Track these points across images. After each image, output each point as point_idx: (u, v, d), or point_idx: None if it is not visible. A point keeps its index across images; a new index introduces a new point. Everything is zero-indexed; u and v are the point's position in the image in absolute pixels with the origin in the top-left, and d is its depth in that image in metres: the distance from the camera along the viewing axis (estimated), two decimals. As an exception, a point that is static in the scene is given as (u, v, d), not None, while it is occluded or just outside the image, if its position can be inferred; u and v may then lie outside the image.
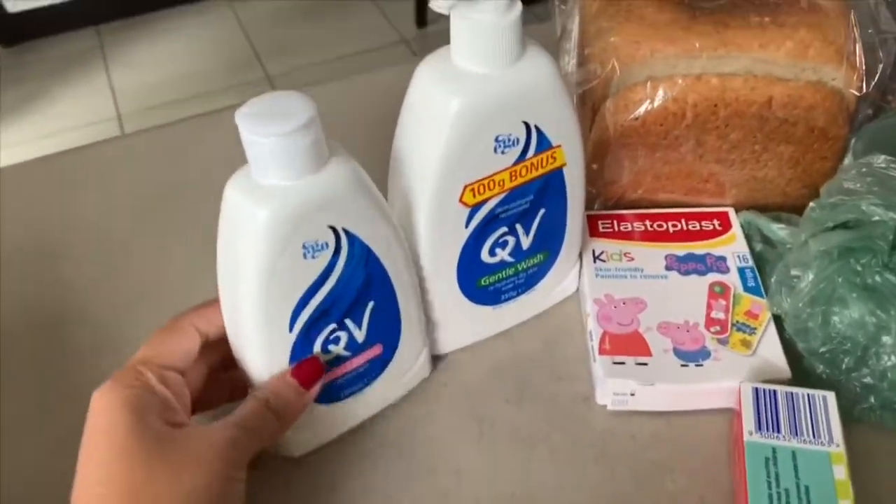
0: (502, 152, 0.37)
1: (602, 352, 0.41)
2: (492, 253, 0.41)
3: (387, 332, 0.39)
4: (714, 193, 0.48)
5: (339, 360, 0.38)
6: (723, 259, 0.46)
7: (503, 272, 0.42)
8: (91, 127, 1.77)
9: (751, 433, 0.37)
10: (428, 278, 0.40)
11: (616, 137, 0.45)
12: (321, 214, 0.33)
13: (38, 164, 0.62)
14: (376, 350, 0.39)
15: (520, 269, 0.43)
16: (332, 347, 0.37)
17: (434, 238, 0.39)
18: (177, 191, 0.57)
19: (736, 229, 0.47)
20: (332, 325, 0.36)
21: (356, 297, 0.36)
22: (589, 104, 0.46)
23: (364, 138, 0.62)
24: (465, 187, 0.37)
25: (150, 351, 0.36)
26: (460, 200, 0.38)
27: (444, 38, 0.36)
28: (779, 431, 0.37)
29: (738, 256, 0.46)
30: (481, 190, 0.38)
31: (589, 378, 0.43)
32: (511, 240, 0.41)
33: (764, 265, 0.45)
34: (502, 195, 0.39)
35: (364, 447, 0.41)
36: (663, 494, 0.38)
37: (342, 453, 0.41)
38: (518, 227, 0.41)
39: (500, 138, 0.36)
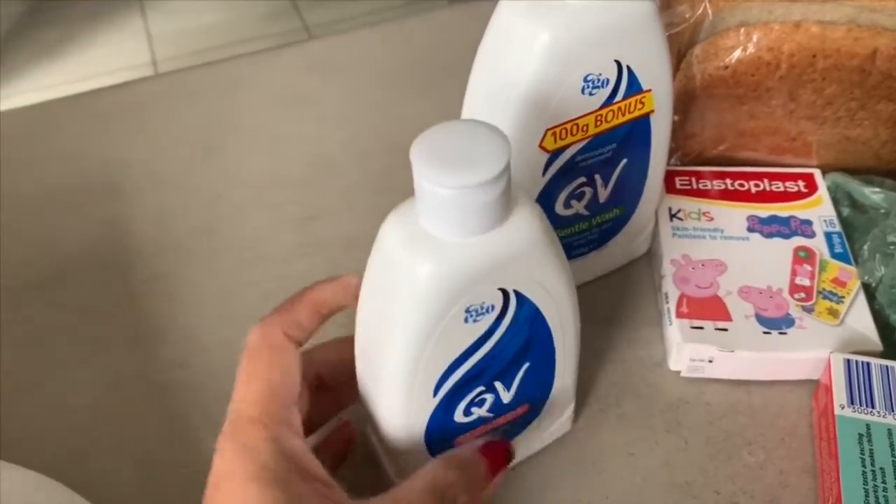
0: (590, 93, 0.34)
1: (679, 315, 0.39)
2: (566, 205, 0.38)
3: (536, 392, 0.34)
4: (800, 153, 0.45)
5: (479, 421, 0.32)
6: (808, 223, 0.43)
7: (576, 226, 0.40)
8: (126, 71, 1.76)
9: (842, 407, 0.34)
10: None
11: (702, 87, 0.42)
12: (494, 276, 0.27)
13: (82, 99, 0.60)
14: (521, 411, 0.33)
15: (594, 223, 0.40)
16: (474, 410, 0.32)
17: (508, 185, 0.36)
18: (225, 132, 0.55)
19: (822, 192, 0.44)
20: (480, 388, 0.31)
21: (512, 359, 0.31)
22: (674, 50, 0.43)
23: (418, 84, 0.60)
24: (547, 131, 0.35)
25: (258, 387, 0.29)
26: (540, 145, 0.35)
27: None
28: (873, 407, 0.34)
29: (825, 220, 0.43)
30: (563, 135, 0.35)
31: (661, 342, 0.41)
32: (588, 191, 0.38)
33: (852, 231, 0.42)
34: (585, 141, 0.36)
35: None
36: (740, 467, 0.36)
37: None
38: (597, 177, 0.38)
39: (588, 78, 0.34)
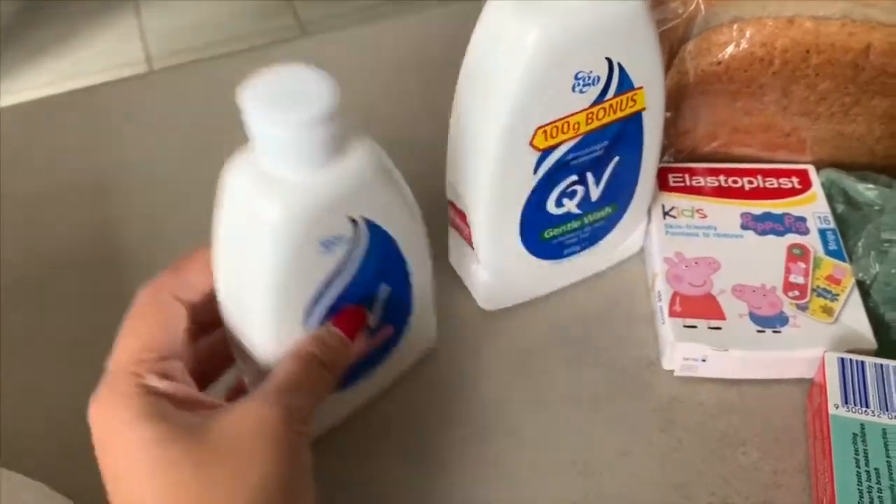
0: (581, 91, 0.34)
1: (672, 314, 0.39)
2: (558, 203, 0.38)
3: (398, 315, 0.36)
4: (794, 149, 0.45)
5: None
6: (802, 220, 0.42)
7: (568, 225, 0.39)
8: (120, 69, 1.75)
9: (836, 406, 0.34)
10: (489, 228, 0.38)
11: (695, 83, 0.41)
12: (339, 207, 0.29)
13: (76, 96, 0.60)
14: (387, 332, 0.36)
15: (586, 221, 0.40)
16: None
17: (499, 184, 0.36)
18: (219, 130, 0.54)
19: (816, 188, 0.44)
20: None
21: (372, 284, 0.33)
22: (666, 46, 0.42)
23: (411, 81, 0.60)
24: (538, 129, 0.34)
25: (135, 342, 0.29)
26: (531, 143, 0.35)
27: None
28: (867, 406, 0.34)
29: (819, 217, 0.42)
30: (554, 133, 0.35)
31: (654, 341, 0.40)
32: (580, 190, 0.38)
33: (846, 228, 0.42)
34: (576, 140, 0.36)
35: (408, 414, 0.39)
36: (734, 467, 0.36)
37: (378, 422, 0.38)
38: (589, 176, 0.38)
39: (580, 75, 0.33)
